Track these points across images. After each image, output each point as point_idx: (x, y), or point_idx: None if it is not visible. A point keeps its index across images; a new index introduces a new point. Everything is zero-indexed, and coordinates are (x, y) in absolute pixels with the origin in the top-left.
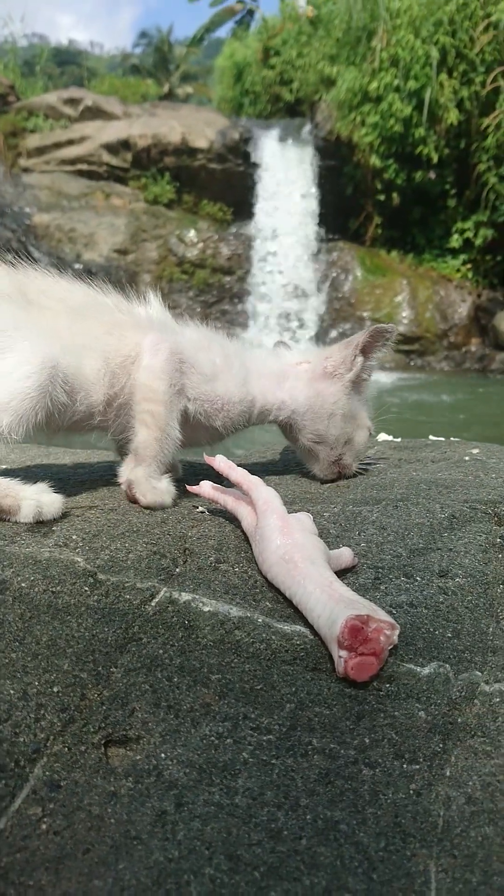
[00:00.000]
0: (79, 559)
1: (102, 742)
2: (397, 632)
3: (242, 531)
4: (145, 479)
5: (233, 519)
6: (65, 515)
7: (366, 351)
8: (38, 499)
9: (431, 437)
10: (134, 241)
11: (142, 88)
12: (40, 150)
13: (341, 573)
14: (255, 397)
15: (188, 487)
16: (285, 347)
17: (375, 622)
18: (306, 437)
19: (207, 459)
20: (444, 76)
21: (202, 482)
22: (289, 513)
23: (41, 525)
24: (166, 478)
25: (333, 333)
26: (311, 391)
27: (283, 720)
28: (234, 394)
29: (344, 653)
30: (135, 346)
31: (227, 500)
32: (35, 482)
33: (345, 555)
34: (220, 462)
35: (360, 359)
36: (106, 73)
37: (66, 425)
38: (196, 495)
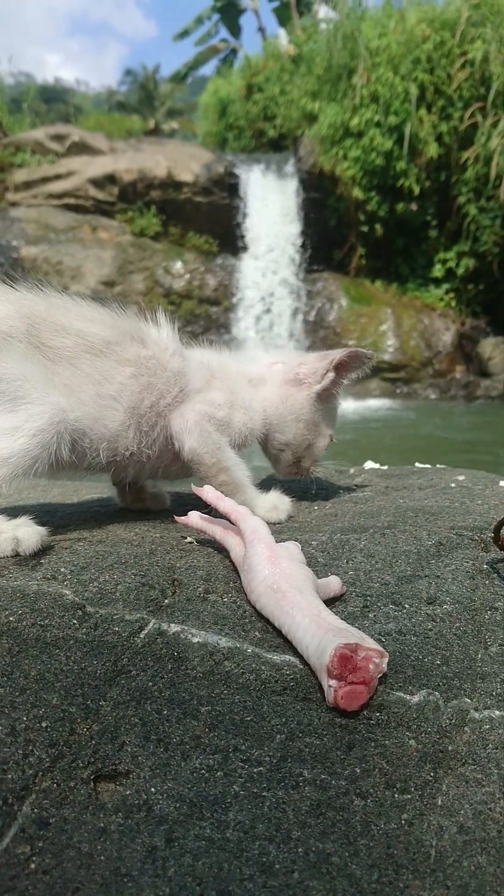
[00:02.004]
0: (67, 592)
1: (92, 777)
2: (386, 660)
3: (231, 561)
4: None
5: (221, 549)
6: (52, 548)
7: (339, 369)
8: (15, 533)
9: (418, 464)
10: (121, 273)
11: (127, 124)
12: (28, 185)
13: (330, 602)
14: (256, 415)
15: (176, 518)
16: (262, 349)
17: (364, 650)
18: (273, 444)
19: (196, 490)
20: (423, 111)
21: (190, 513)
22: (277, 542)
23: (29, 558)
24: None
25: None
26: (280, 394)
27: (273, 751)
28: (247, 423)
29: (333, 682)
30: (160, 397)
31: (215, 530)
32: (19, 515)
33: (333, 583)
34: (209, 492)
35: (331, 374)
36: (92, 110)
37: (84, 470)
38: (185, 526)
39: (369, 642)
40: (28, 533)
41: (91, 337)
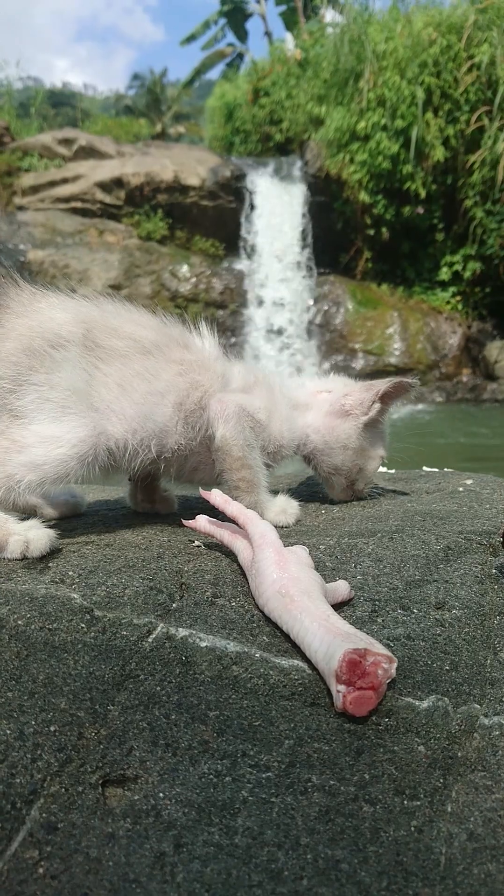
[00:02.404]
0: (75, 595)
1: (100, 782)
2: (395, 665)
3: (239, 565)
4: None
5: (229, 553)
6: (60, 551)
7: (385, 399)
8: (26, 535)
9: (425, 468)
10: (127, 276)
11: (135, 128)
12: (35, 189)
13: (338, 606)
14: (295, 434)
15: (184, 522)
16: (307, 376)
17: (373, 655)
18: (323, 469)
19: (203, 494)
20: (429, 115)
21: (198, 517)
22: (285, 545)
23: (37, 561)
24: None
25: (326, 365)
26: (326, 425)
27: (282, 757)
28: (284, 434)
29: (342, 687)
30: (204, 393)
31: (223, 534)
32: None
33: (341, 588)
34: (217, 496)
35: (377, 405)
36: (99, 114)
37: (132, 470)
38: (192, 529)
39: (378, 647)
40: (38, 535)
41: (141, 339)
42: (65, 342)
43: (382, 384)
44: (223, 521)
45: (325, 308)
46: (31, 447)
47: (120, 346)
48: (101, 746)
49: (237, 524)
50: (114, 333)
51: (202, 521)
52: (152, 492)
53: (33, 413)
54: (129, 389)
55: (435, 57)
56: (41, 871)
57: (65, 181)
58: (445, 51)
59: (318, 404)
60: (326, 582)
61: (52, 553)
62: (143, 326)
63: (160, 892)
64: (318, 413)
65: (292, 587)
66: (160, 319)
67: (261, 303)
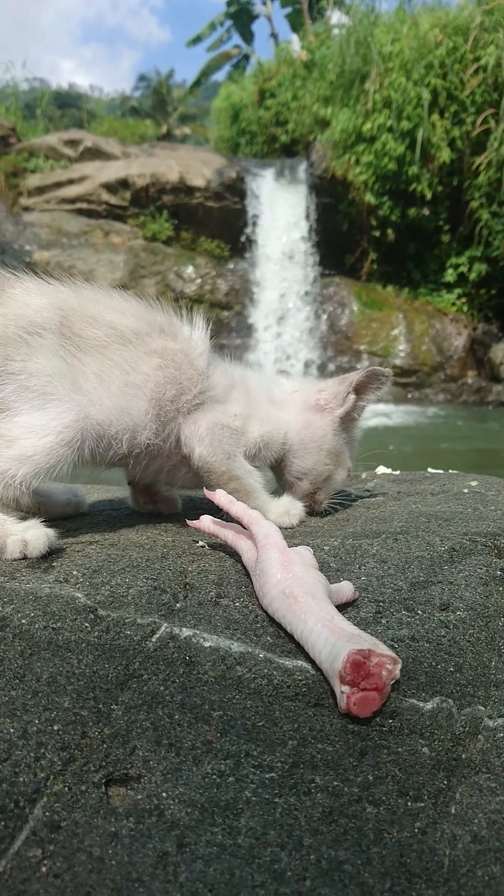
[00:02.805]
0: (79, 595)
1: (103, 781)
2: (399, 666)
3: (243, 566)
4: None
5: (233, 553)
6: (64, 550)
7: (359, 390)
8: (23, 535)
9: (430, 469)
10: (133, 277)
11: (140, 129)
12: (41, 190)
13: (342, 607)
14: (279, 432)
15: (188, 522)
16: (285, 375)
17: (377, 657)
18: (291, 473)
19: (208, 494)
20: (435, 117)
21: (202, 517)
22: (289, 547)
23: (41, 561)
24: (285, 498)
25: (331, 367)
26: (302, 420)
27: (285, 757)
28: (264, 435)
29: (346, 688)
30: (181, 392)
31: (227, 534)
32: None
33: (345, 589)
34: (221, 497)
35: (352, 396)
36: (105, 115)
37: (104, 464)
38: (197, 530)
39: (382, 648)
40: (36, 535)
41: (121, 327)
42: (41, 329)
43: (355, 375)
44: (227, 521)
45: (331, 309)
46: (19, 440)
47: (98, 335)
48: (105, 746)
49: (241, 524)
50: (92, 322)
51: (206, 522)
52: (153, 493)
53: (15, 404)
54: (107, 380)
55: (441, 58)
56: (44, 869)
57: (70, 182)
58: (452, 52)
59: (293, 402)
60: (331, 583)
61: (56, 552)
62: (124, 314)
63: (163, 892)
64: (294, 410)
65: (296, 588)
66: (145, 305)
67: (266, 304)
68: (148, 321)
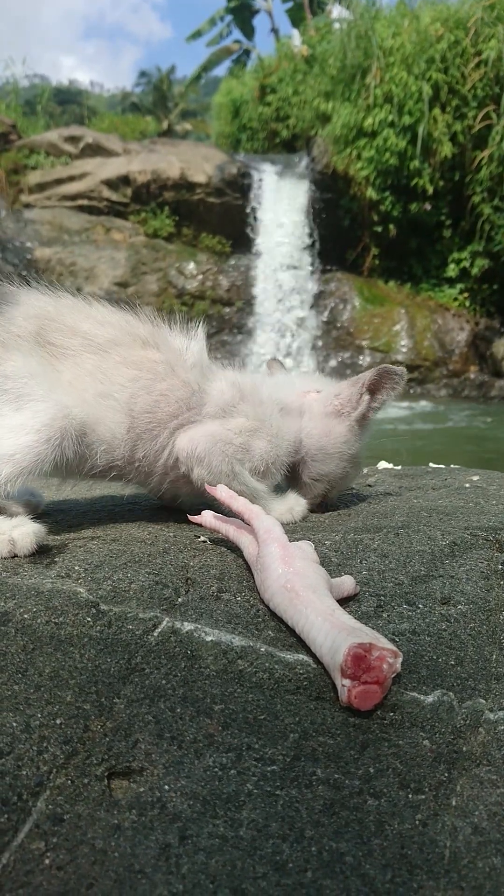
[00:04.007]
0: (81, 590)
1: (106, 774)
2: (400, 659)
3: (244, 560)
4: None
5: (235, 548)
6: (66, 546)
7: (373, 390)
8: (10, 534)
9: (432, 464)
10: (134, 274)
11: (141, 125)
12: (41, 187)
13: (343, 601)
14: (290, 444)
15: (189, 517)
16: (279, 366)
17: (378, 650)
18: (309, 475)
19: (209, 489)
20: (437, 111)
21: (203, 512)
22: (290, 541)
23: (43, 556)
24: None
25: (333, 363)
26: (322, 428)
27: (287, 750)
28: (272, 451)
29: (347, 681)
30: (162, 400)
31: (228, 529)
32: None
33: (346, 583)
34: (222, 492)
35: (366, 397)
36: (106, 112)
37: (85, 475)
38: (198, 525)
39: (383, 642)
40: (23, 533)
41: (96, 337)
42: (17, 337)
43: (367, 375)
44: (229, 516)
45: (332, 305)
46: (0, 441)
47: (73, 344)
48: (107, 739)
49: (243, 519)
50: (68, 332)
51: (207, 517)
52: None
53: None
54: (81, 390)
55: (442, 53)
56: (47, 861)
57: (71, 179)
58: (453, 46)
59: (310, 405)
60: (332, 577)
61: (57, 548)
62: (102, 324)
63: (165, 883)
64: (311, 415)
65: (297, 582)
66: (130, 317)
67: (267, 300)
68: (127, 331)
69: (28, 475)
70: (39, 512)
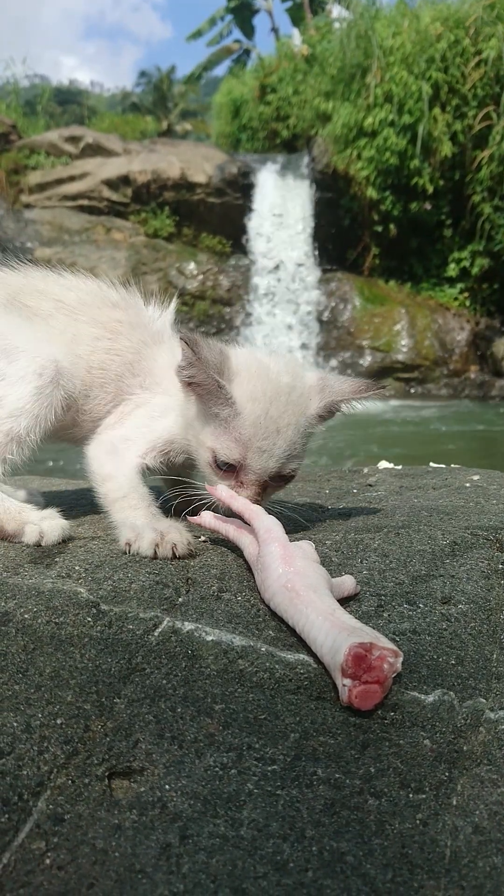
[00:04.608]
0: (82, 590)
1: (106, 774)
2: (401, 659)
3: (245, 560)
4: None
5: (235, 548)
6: (67, 545)
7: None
8: (41, 525)
9: (432, 464)
10: (134, 273)
11: (141, 125)
12: (42, 187)
13: (344, 601)
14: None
15: (189, 518)
16: (308, 367)
17: (378, 650)
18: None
19: (209, 489)
20: (437, 110)
21: (203, 512)
22: (291, 541)
23: (44, 556)
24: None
25: (333, 362)
26: None
27: (287, 750)
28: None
29: (348, 681)
30: (125, 361)
31: (228, 529)
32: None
33: (347, 583)
34: (223, 491)
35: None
36: (106, 112)
37: (69, 432)
38: (198, 526)
39: (384, 641)
40: (52, 526)
41: (66, 299)
42: None
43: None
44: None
45: (333, 305)
46: (4, 398)
47: (46, 305)
48: (108, 739)
49: (243, 519)
50: (38, 295)
51: (207, 517)
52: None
53: None
54: (56, 344)
55: (442, 52)
56: (48, 861)
57: (72, 179)
58: (453, 46)
59: None
60: (332, 577)
61: (59, 548)
62: (72, 288)
63: (166, 883)
64: None
65: (298, 581)
66: (102, 283)
67: (267, 300)
68: (98, 295)
69: (44, 422)
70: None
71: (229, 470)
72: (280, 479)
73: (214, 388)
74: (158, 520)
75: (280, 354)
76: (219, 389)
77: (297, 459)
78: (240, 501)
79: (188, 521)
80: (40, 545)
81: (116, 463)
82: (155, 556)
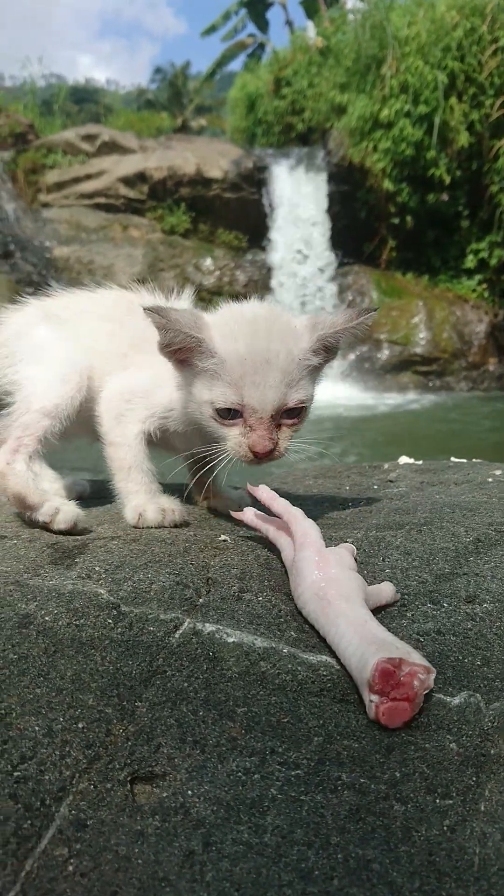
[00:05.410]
0: (102, 591)
1: (128, 779)
2: (433, 676)
3: (272, 560)
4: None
5: (256, 548)
6: (86, 546)
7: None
8: (58, 505)
9: (453, 458)
10: (152, 270)
11: (156, 122)
12: (59, 186)
13: (383, 608)
14: None
15: (232, 514)
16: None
17: (409, 665)
18: None
19: (250, 488)
20: (453, 100)
21: (246, 509)
22: (329, 546)
23: (64, 557)
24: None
25: (351, 356)
26: None
27: (311, 754)
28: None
29: (375, 697)
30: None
31: (268, 529)
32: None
33: (385, 590)
34: (263, 492)
35: None
36: (122, 109)
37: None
38: (219, 524)
39: (415, 657)
40: (67, 509)
41: (97, 308)
42: (27, 326)
43: None
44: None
45: (350, 298)
46: (33, 384)
47: (70, 316)
48: (129, 743)
49: (281, 521)
50: (66, 308)
51: (249, 515)
52: (208, 488)
53: (20, 375)
54: (80, 345)
55: (459, 40)
56: (71, 868)
57: (88, 177)
58: (469, 34)
59: None
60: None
61: (79, 548)
62: (97, 300)
63: (190, 891)
64: None
65: (330, 590)
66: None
67: (284, 294)
68: (122, 298)
69: (70, 405)
70: (86, 497)
71: (234, 417)
72: (290, 414)
73: (194, 345)
74: (157, 495)
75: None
76: (199, 344)
77: (300, 391)
78: (280, 503)
79: (231, 516)
80: (49, 527)
81: (121, 430)
82: (161, 526)
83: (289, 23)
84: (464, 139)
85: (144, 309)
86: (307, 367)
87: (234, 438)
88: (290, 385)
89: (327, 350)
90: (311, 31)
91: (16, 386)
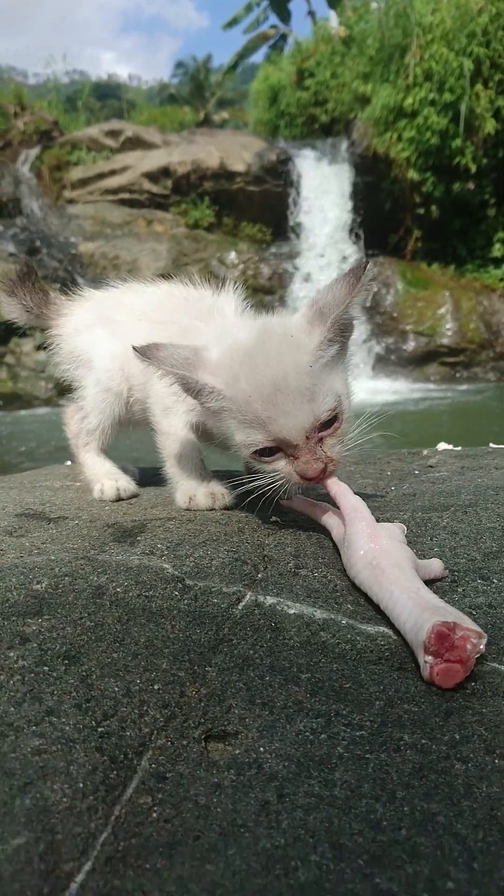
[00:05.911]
0: (166, 566)
1: (203, 737)
2: (484, 640)
3: (323, 539)
4: None
5: (308, 528)
6: (145, 526)
7: None
8: (103, 483)
9: (492, 444)
10: (176, 265)
11: (179, 116)
12: (84, 182)
13: (428, 582)
14: None
15: (281, 503)
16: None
17: (462, 630)
18: None
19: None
20: (479, 87)
21: (294, 496)
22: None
23: (126, 535)
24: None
25: (377, 349)
26: None
27: (373, 717)
28: None
29: (430, 658)
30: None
31: (316, 511)
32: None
33: (433, 565)
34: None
35: None
36: (144, 104)
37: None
38: (288, 508)
39: (468, 622)
40: (110, 485)
41: (141, 308)
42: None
43: None
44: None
45: (375, 290)
46: (87, 405)
47: (121, 316)
48: (202, 704)
49: (326, 504)
50: (116, 307)
51: (297, 501)
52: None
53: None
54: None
55: (483, 26)
56: (155, 815)
57: (112, 173)
58: (495, 19)
59: None
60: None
61: (139, 527)
62: (148, 297)
63: (268, 837)
64: None
65: (383, 559)
66: (174, 289)
67: (308, 287)
68: (168, 300)
69: (114, 404)
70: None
71: (273, 453)
72: (327, 425)
73: (193, 385)
74: (207, 480)
75: (258, 316)
76: (196, 384)
77: (327, 398)
78: (329, 482)
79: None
80: (102, 497)
81: (169, 421)
82: (211, 508)
83: (311, 13)
84: (490, 126)
85: (133, 348)
86: (324, 365)
87: (283, 470)
88: (313, 399)
89: (343, 329)
90: (333, 20)
91: (77, 384)
